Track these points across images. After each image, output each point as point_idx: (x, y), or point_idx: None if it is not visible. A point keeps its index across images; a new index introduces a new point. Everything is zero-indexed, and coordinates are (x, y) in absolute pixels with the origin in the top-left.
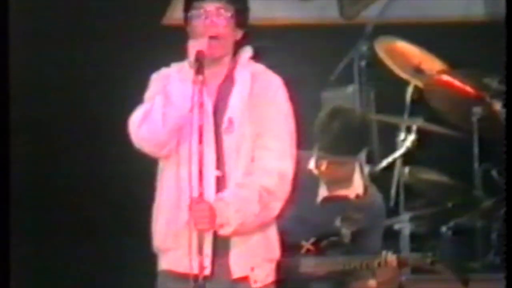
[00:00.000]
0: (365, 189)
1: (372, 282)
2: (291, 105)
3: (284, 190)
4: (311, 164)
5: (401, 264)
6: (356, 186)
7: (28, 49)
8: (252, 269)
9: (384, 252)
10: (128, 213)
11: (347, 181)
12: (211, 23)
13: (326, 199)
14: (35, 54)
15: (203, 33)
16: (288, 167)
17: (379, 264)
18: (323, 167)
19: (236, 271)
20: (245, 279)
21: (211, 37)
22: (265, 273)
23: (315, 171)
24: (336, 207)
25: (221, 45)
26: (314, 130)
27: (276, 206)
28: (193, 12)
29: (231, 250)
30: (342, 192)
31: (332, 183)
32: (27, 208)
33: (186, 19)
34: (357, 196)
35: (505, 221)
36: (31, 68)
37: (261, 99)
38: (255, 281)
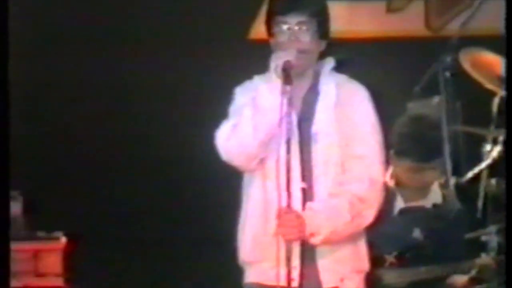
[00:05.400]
0: (443, 198)
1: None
2: (377, 115)
3: (376, 196)
4: (387, 176)
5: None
6: (434, 196)
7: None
8: (342, 280)
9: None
10: (212, 225)
11: (423, 190)
12: (296, 39)
13: (403, 210)
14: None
15: (288, 48)
16: (379, 173)
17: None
18: (399, 173)
19: (326, 281)
20: None
21: (297, 51)
22: (355, 284)
23: (391, 183)
24: (414, 218)
25: (307, 59)
26: (391, 135)
27: (369, 214)
28: (276, 29)
29: (319, 261)
30: (418, 202)
31: (408, 194)
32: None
33: (270, 33)
34: (435, 206)
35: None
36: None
37: (347, 108)
38: None
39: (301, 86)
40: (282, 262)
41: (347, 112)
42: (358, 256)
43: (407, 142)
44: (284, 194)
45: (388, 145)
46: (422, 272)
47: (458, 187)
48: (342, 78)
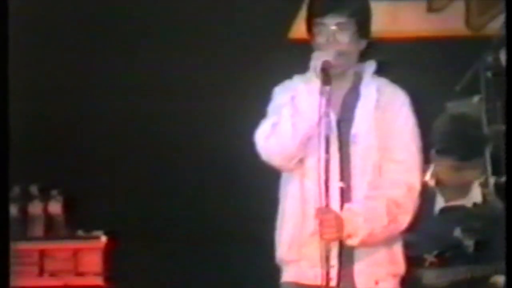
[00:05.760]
0: (484, 197)
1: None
2: (416, 118)
3: (412, 203)
4: (427, 176)
5: None
6: (474, 195)
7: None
8: (377, 282)
9: None
10: (249, 224)
11: (464, 189)
12: (334, 41)
13: (443, 210)
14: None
15: (327, 49)
16: (416, 180)
17: None
18: (440, 172)
19: (361, 283)
20: None
21: (336, 52)
22: (390, 287)
23: (431, 182)
24: (455, 217)
25: (346, 59)
26: (432, 133)
27: (404, 219)
28: (315, 30)
29: (355, 262)
30: (459, 201)
31: (449, 193)
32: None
33: (310, 34)
34: (475, 205)
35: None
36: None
37: (388, 113)
38: None
39: (342, 87)
40: (320, 262)
41: (387, 116)
42: (394, 259)
43: (448, 141)
44: (323, 193)
45: (429, 144)
46: (462, 271)
47: (498, 187)
48: (383, 82)
